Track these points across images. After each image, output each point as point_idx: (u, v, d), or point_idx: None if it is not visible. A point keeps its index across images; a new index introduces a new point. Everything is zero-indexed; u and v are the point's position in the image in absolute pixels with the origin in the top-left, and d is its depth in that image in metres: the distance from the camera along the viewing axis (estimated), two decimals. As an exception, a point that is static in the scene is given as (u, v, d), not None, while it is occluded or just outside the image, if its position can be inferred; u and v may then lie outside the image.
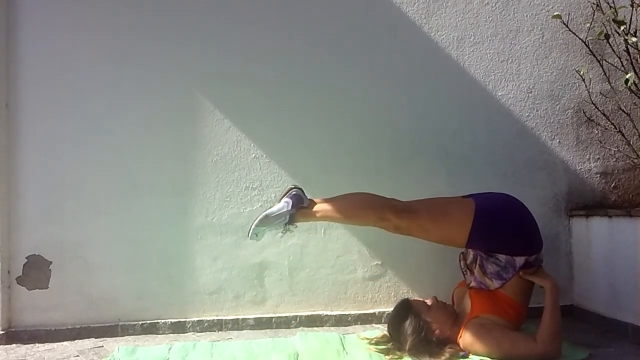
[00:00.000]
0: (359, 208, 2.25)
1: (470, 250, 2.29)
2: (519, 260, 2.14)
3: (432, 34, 2.80)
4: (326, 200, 2.30)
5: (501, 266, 2.15)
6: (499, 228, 2.14)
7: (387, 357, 2.12)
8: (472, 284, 2.24)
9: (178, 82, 2.67)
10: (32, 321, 2.53)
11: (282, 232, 2.29)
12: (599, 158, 2.89)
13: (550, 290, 2.09)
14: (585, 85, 2.84)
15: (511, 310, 2.14)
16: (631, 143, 2.77)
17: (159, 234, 2.63)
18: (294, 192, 2.28)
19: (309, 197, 2.32)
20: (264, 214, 2.24)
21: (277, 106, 2.72)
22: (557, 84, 2.89)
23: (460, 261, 2.38)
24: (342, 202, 2.29)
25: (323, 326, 2.68)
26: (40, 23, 2.60)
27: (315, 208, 2.28)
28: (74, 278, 2.57)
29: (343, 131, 2.74)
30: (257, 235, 2.25)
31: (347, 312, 2.71)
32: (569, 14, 2.85)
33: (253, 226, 2.22)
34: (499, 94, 2.85)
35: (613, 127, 2.81)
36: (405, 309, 2.16)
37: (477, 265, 2.21)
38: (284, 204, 2.26)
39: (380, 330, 2.47)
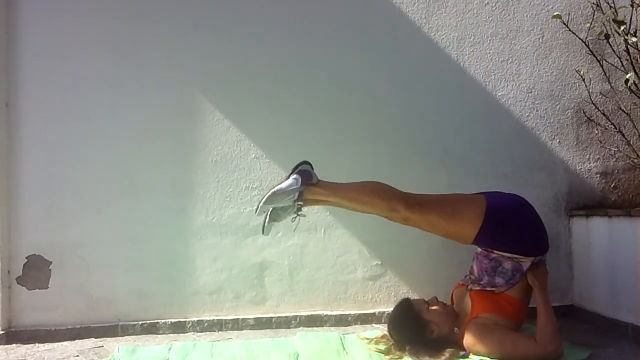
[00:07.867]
0: (371, 195, 2.20)
1: (474, 266, 2.28)
2: (525, 264, 2.13)
3: (432, 34, 2.80)
4: (337, 183, 2.24)
5: (509, 275, 2.15)
6: (512, 227, 2.12)
7: (387, 357, 2.12)
8: (476, 287, 2.23)
9: (178, 83, 2.67)
10: (32, 321, 2.53)
11: (293, 219, 2.21)
12: (599, 158, 2.89)
13: (539, 291, 2.10)
14: (585, 85, 2.84)
15: (511, 308, 2.14)
16: (631, 143, 2.77)
17: (159, 234, 2.63)
18: (302, 168, 2.20)
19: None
20: (272, 190, 2.15)
21: (276, 106, 2.72)
22: (557, 84, 2.88)
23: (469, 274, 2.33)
24: (354, 185, 2.24)
25: (323, 326, 2.68)
26: (40, 23, 2.59)
27: (326, 187, 2.21)
28: (74, 278, 2.58)
29: (343, 131, 2.74)
30: (265, 213, 2.18)
31: (347, 312, 2.71)
32: (569, 14, 2.85)
33: (261, 204, 2.15)
34: (499, 94, 2.85)
35: (613, 127, 2.80)
36: (405, 309, 2.16)
37: (487, 283, 2.19)
38: (292, 181, 2.17)
39: (380, 330, 2.47)
